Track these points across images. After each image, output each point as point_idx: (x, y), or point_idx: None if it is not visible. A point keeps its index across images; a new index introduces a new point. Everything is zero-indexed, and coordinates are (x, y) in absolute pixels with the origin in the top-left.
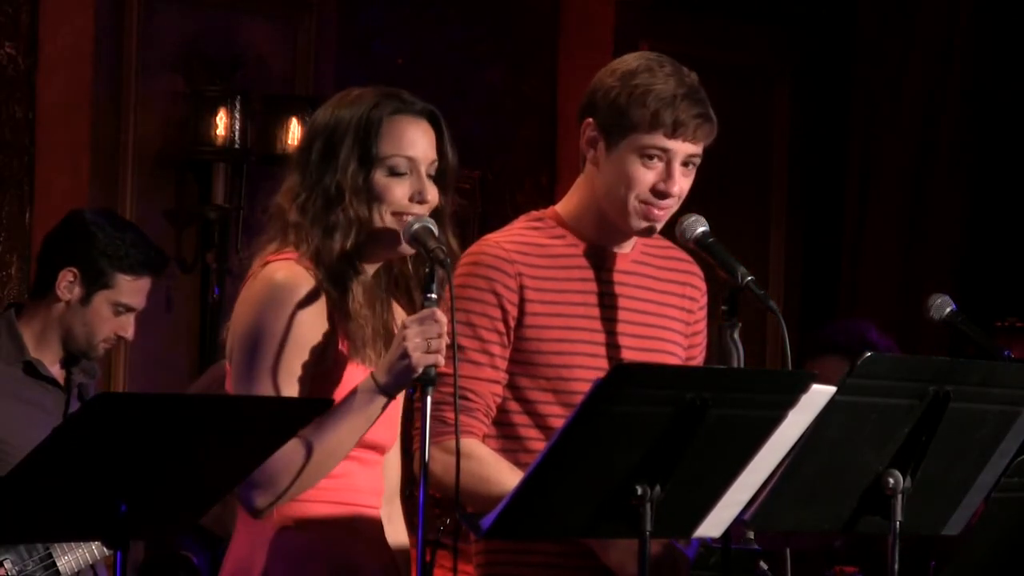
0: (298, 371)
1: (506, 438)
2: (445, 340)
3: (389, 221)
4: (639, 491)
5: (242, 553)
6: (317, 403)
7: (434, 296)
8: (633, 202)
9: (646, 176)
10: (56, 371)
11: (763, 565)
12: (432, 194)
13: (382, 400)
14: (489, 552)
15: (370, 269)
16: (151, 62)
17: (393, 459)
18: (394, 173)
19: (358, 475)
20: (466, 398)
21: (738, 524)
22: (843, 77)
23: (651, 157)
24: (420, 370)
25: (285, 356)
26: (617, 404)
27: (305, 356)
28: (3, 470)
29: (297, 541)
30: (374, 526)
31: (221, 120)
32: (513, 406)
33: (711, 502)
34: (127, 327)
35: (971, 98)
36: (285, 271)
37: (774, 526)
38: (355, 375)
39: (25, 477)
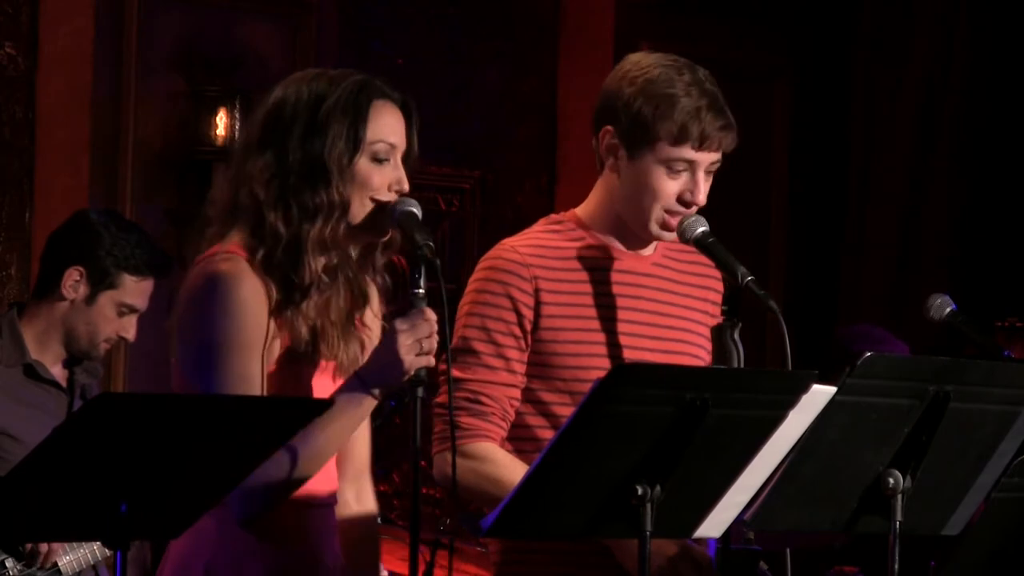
0: (251, 371)
1: (522, 440)
2: (435, 339)
3: (369, 208)
4: (639, 491)
5: (185, 549)
6: (318, 403)
7: (421, 292)
8: (658, 212)
9: (671, 187)
10: (58, 372)
11: (763, 565)
12: (407, 185)
13: (371, 402)
14: (506, 552)
15: (335, 258)
16: (151, 62)
17: (360, 435)
18: (377, 160)
19: None
20: (480, 402)
21: (738, 524)
22: (843, 76)
23: (677, 170)
24: (412, 373)
25: (236, 356)
26: (617, 404)
27: (254, 355)
28: (5, 472)
29: (240, 537)
30: (323, 517)
31: (221, 120)
32: (528, 408)
33: (711, 502)
34: (129, 328)
35: (971, 98)
36: (227, 266)
37: (774, 526)
38: (307, 371)
39: (25, 477)
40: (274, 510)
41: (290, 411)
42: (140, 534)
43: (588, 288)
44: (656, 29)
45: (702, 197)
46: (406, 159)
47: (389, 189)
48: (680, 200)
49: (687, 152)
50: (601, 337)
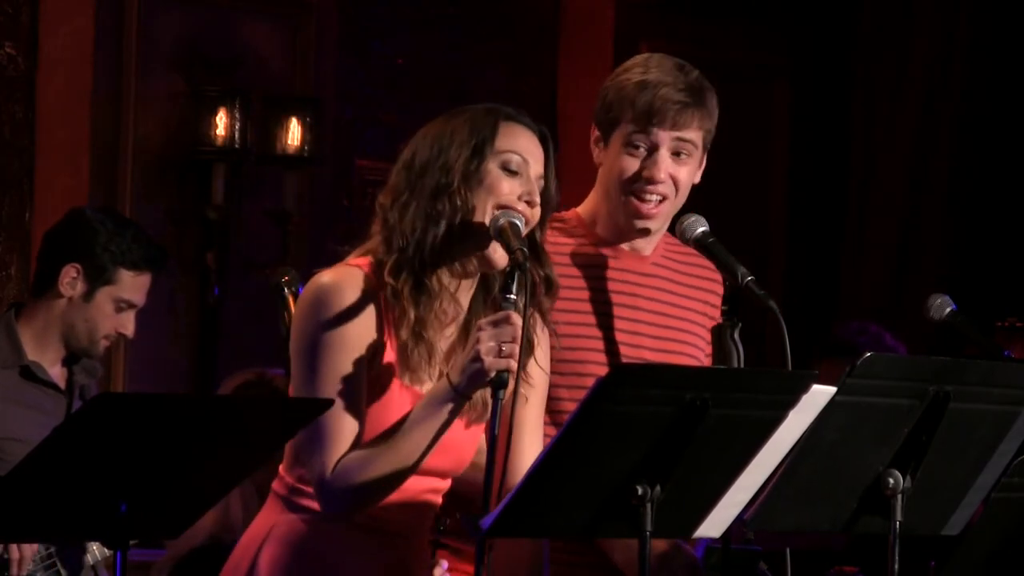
0: (350, 374)
1: None
2: (519, 344)
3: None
4: (639, 491)
5: (243, 542)
6: (317, 403)
7: (512, 297)
8: (623, 194)
9: (631, 164)
10: (56, 371)
11: (763, 565)
12: (537, 197)
13: (455, 401)
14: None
15: (465, 285)
16: (151, 62)
17: (528, 452)
18: (507, 169)
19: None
20: None
21: (738, 524)
22: (843, 76)
23: (635, 146)
24: (492, 374)
25: (335, 360)
26: (617, 404)
27: (354, 359)
28: (6, 470)
29: (283, 550)
30: (391, 554)
31: (221, 120)
32: None
33: (711, 502)
34: (128, 324)
35: (971, 98)
36: (332, 275)
37: (774, 526)
38: (401, 393)
39: (25, 477)
40: (364, 509)
41: (289, 411)
42: (140, 534)
43: (588, 285)
44: (656, 29)
45: (663, 173)
46: (545, 193)
47: (520, 199)
48: (641, 177)
49: (640, 127)
50: (600, 334)
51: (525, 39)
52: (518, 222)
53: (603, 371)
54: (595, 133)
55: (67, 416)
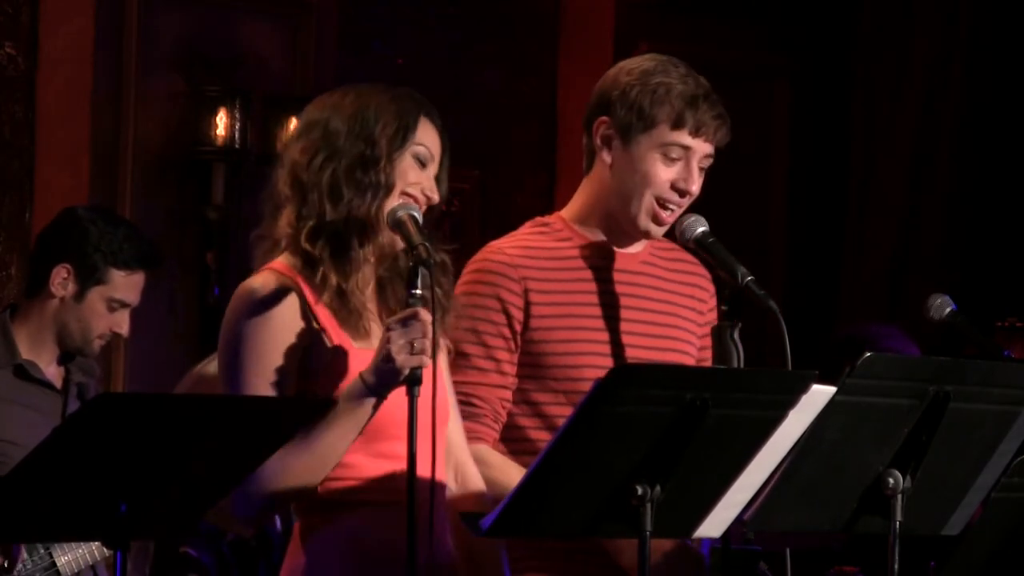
0: (275, 372)
1: (515, 441)
2: (429, 340)
3: (392, 200)
4: (639, 491)
5: (290, 547)
6: (318, 402)
7: (418, 293)
8: (648, 199)
9: (666, 173)
10: (53, 371)
11: (763, 565)
12: (436, 196)
13: (371, 401)
14: (507, 549)
15: (373, 257)
16: (151, 62)
17: (451, 420)
18: (419, 159)
19: (366, 467)
20: (472, 404)
21: (738, 524)
22: (843, 76)
23: (673, 155)
24: (406, 371)
25: (257, 361)
26: (617, 404)
27: (279, 356)
28: (3, 472)
29: (308, 543)
30: (395, 520)
31: (221, 120)
32: (521, 409)
33: (711, 502)
34: (122, 323)
35: (971, 98)
36: (255, 279)
37: (774, 526)
38: (360, 356)
39: (25, 477)
40: (276, 512)
41: (290, 411)
42: (140, 534)
43: (578, 287)
44: (656, 29)
45: (695, 187)
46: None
47: (422, 192)
48: (674, 188)
49: (684, 137)
50: (592, 336)
51: (525, 39)
52: (415, 213)
53: (598, 372)
54: (605, 130)
55: (65, 416)
